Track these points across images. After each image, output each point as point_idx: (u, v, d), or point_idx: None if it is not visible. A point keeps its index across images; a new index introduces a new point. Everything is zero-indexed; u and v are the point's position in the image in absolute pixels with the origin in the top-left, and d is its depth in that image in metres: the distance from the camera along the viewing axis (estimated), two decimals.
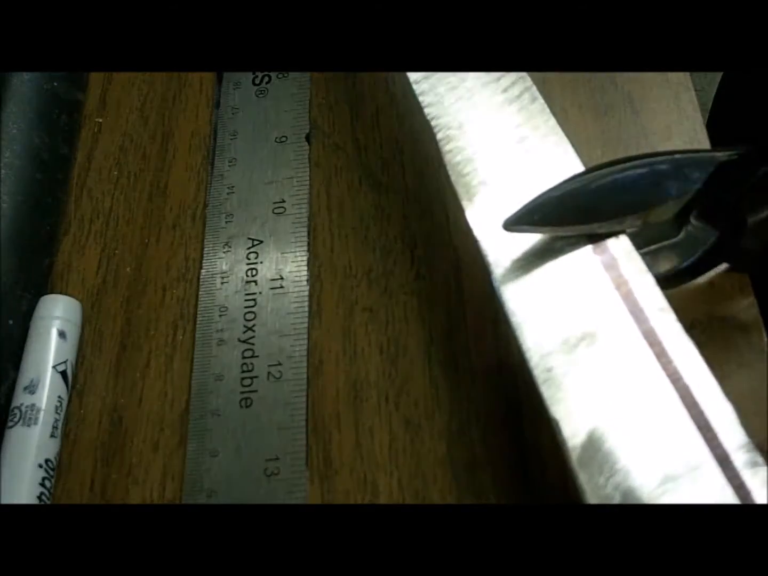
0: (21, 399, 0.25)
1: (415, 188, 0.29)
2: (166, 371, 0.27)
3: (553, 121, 0.24)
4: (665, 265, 0.23)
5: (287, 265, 0.28)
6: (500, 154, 0.24)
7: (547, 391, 0.20)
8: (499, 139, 0.24)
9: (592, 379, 0.20)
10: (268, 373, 0.26)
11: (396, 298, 0.27)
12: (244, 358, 0.26)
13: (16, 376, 0.26)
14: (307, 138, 0.31)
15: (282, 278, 0.28)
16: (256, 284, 0.28)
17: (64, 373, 0.26)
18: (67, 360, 0.27)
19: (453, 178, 0.24)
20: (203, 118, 0.32)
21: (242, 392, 0.26)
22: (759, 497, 0.18)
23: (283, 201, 0.29)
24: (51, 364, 0.26)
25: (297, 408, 0.25)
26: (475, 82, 0.25)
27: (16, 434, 0.25)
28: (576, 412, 0.20)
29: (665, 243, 0.23)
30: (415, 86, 0.26)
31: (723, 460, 0.18)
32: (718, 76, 0.48)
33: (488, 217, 0.23)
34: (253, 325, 0.27)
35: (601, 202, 0.22)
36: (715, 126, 0.33)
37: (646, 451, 0.19)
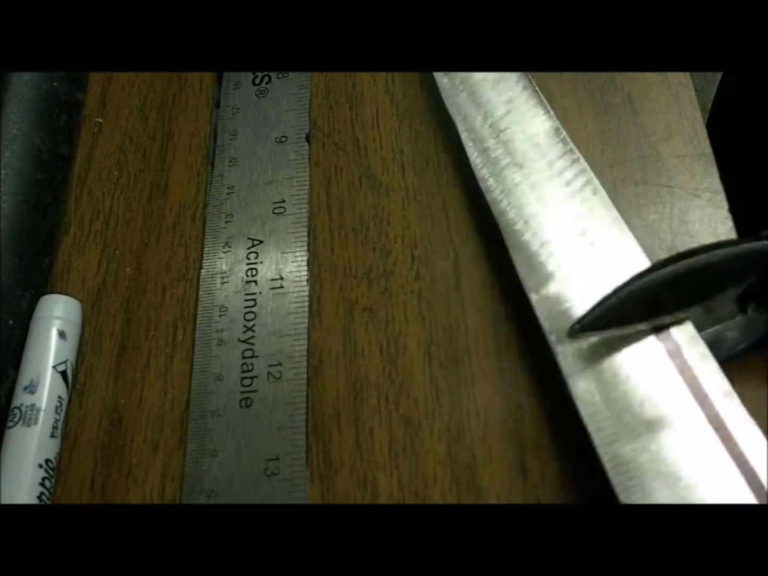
0: (21, 399, 0.25)
1: (415, 188, 0.29)
2: (166, 371, 0.27)
3: (615, 212, 0.25)
4: (727, 346, 0.23)
5: (287, 265, 0.28)
6: (566, 247, 0.25)
7: (615, 479, 0.21)
8: (564, 232, 0.25)
9: (659, 466, 0.21)
10: (268, 373, 0.26)
11: (396, 298, 0.27)
12: (244, 358, 0.26)
13: (16, 376, 0.26)
14: (307, 138, 0.31)
15: (282, 278, 0.28)
16: (256, 284, 0.28)
17: (64, 373, 0.26)
18: (67, 360, 0.27)
19: (521, 271, 0.25)
20: (203, 118, 0.32)
21: (242, 392, 0.26)
22: None
23: (283, 201, 0.29)
24: (51, 364, 0.26)
25: (297, 408, 0.25)
26: (538, 176, 0.26)
27: (16, 434, 0.25)
28: (645, 499, 0.20)
29: (728, 323, 0.24)
30: (481, 184, 0.27)
31: None
32: (718, 76, 0.48)
33: (556, 309, 0.24)
34: (253, 325, 0.27)
35: (663, 298, 0.23)
36: (715, 126, 0.33)
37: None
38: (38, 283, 0.28)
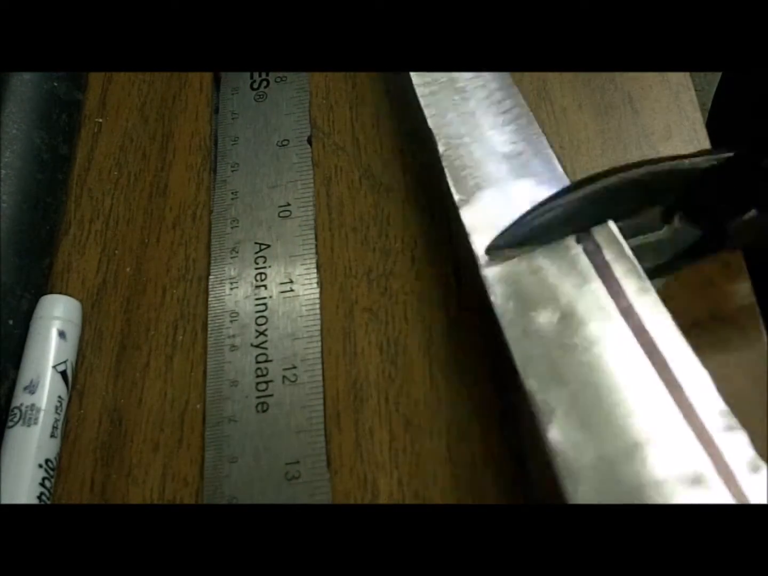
0: (21, 399, 0.25)
1: (415, 188, 0.29)
2: (166, 371, 0.27)
3: (544, 140, 0.25)
4: (647, 260, 0.23)
5: (296, 268, 0.28)
6: (495, 163, 0.25)
7: (522, 368, 0.21)
8: (496, 151, 0.25)
9: (574, 365, 0.21)
10: (283, 376, 0.26)
11: (396, 298, 0.27)
12: (258, 362, 0.26)
13: (16, 376, 0.26)
14: (309, 140, 0.31)
15: (292, 281, 0.28)
16: (266, 288, 0.28)
17: (64, 373, 0.26)
18: (67, 360, 0.27)
19: (451, 181, 0.25)
20: (203, 119, 0.32)
21: (258, 397, 0.26)
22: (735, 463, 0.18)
23: (289, 204, 0.29)
24: (51, 364, 0.26)
25: (314, 410, 0.25)
26: (477, 102, 0.27)
27: (16, 434, 0.25)
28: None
29: (649, 236, 0.24)
30: (421, 99, 0.27)
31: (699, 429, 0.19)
32: (718, 76, 0.48)
33: (483, 218, 0.24)
34: (266, 330, 0.27)
35: (583, 215, 0.23)
36: (715, 126, 0.33)
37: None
38: (38, 283, 0.28)
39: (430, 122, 0.26)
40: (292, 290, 0.28)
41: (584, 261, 0.22)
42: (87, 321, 0.28)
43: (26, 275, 0.28)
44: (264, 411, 0.26)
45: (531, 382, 0.21)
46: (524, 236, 0.23)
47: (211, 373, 0.27)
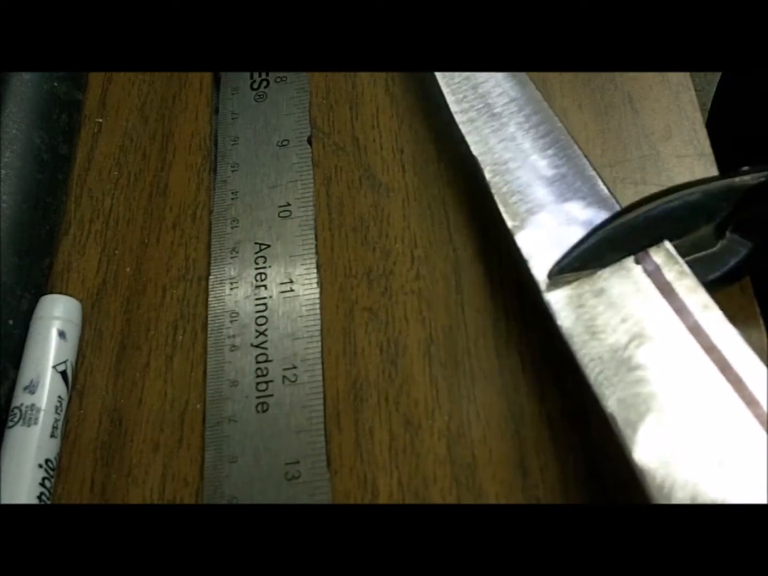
0: (21, 399, 0.25)
1: (415, 188, 0.29)
2: (166, 371, 0.27)
3: (585, 161, 0.26)
4: (701, 276, 0.23)
5: (296, 268, 0.28)
6: (542, 187, 0.26)
7: (599, 390, 0.21)
8: (542, 175, 0.26)
9: (645, 384, 0.21)
10: (283, 377, 0.26)
11: (396, 298, 0.27)
12: (258, 362, 0.26)
13: (16, 376, 0.26)
14: (309, 141, 0.31)
15: (292, 281, 0.28)
16: (266, 288, 0.28)
17: (64, 373, 0.26)
18: (67, 360, 0.27)
19: (502, 207, 0.25)
20: (203, 119, 0.32)
21: (258, 397, 0.26)
22: None
23: (289, 204, 0.29)
24: (51, 364, 0.26)
25: (314, 410, 0.25)
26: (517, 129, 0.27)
27: (16, 434, 0.25)
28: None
29: (703, 253, 0.24)
30: (461, 126, 0.27)
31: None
32: (718, 76, 0.48)
33: (538, 243, 0.25)
34: (266, 330, 0.27)
35: (639, 238, 0.23)
36: (715, 126, 0.33)
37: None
38: (38, 283, 0.28)
39: (474, 150, 0.27)
40: (292, 290, 0.28)
41: (646, 281, 0.23)
42: (87, 321, 0.28)
43: (26, 275, 0.28)
44: (264, 411, 0.26)
45: (611, 404, 0.21)
46: (584, 260, 0.23)
47: (211, 373, 0.27)
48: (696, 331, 0.21)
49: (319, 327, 0.27)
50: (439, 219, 0.28)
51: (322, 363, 0.26)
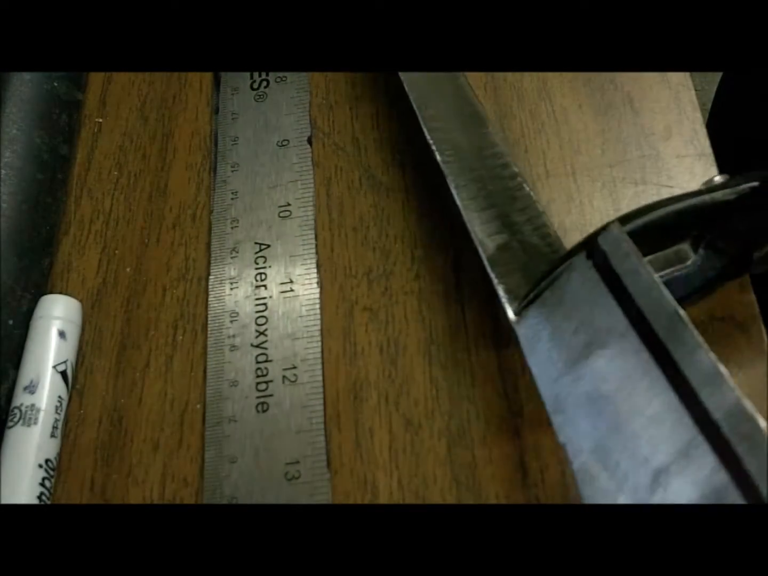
0: (21, 399, 0.25)
1: (415, 188, 0.29)
2: (166, 371, 0.27)
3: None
4: (679, 290, 0.23)
5: (296, 268, 0.28)
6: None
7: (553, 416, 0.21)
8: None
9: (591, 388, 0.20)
10: (283, 377, 0.26)
11: (396, 298, 0.27)
12: (258, 362, 0.26)
13: (16, 376, 0.26)
14: (309, 141, 0.31)
15: (292, 281, 0.28)
16: (266, 288, 0.28)
17: (64, 373, 0.26)
18: (67, 360, 0.27)
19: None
20: (203, 119, 0.32)
21: (258, 397, 0.26)
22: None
23: (289, 204, 0.29)
24: (51, 364, 0.26)
25: (314, 410, 0.25)
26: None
27: (16, 434, 0.25)
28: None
29: (678, 268, 0.24)
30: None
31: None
32: (718, 76, 0.48)
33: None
34: (266, 330, 0.27)
35: None
36: (715, 126, 0.33)
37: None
38: (38, 283, 0.28)
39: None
40: (292, 290, 0.28)
41: (595, 277, 0.21)
42: (87, 321, 0.28)
43: (26, 275, 0.28)
44: (264, 411, 0.26)
45: (557, 419, 0.20)
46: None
47: (211, 373, 0.27)
48: (643, 331, 0.20)
49: (319, 327, 0.27)
50: (439, 219, 0.28)
51: (322, 363, 0.26)
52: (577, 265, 0.22)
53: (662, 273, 0.23)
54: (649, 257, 0.22)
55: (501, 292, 0.23)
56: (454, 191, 0.25)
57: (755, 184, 0.22)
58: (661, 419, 0.19)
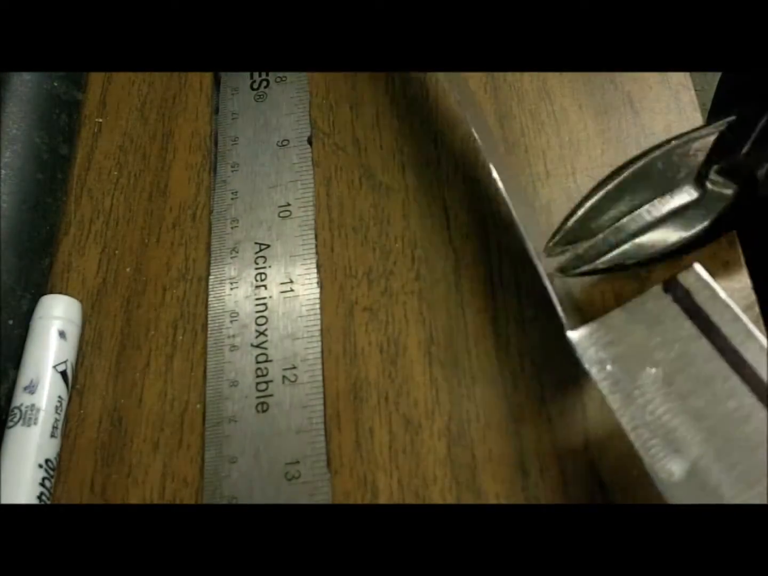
0: (21, 399, 0.25)
1: (415, 188, 0.29)
2: (166, 371, 0.27)
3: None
4: (692, 227, 0.23)
5: (296, 268, 0.28)
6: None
7: (637, 442, 0.20)
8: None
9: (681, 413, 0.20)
10: (283, 377, 0.26)
11: (396, 298, 0.27)
12: (258, 363, 0.26)
13: (16, 376, 0.26)
14: (309, 141, 0.31)
15: (292, 281, 0.28)
16: (266, 288, 0.28)
17: (64, 373, 0.26)
18: (67, 360, 0.27)
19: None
20: (203, 119, 0.32)
21: (258, 397, 0.26)
22: None
23: (289, 204, 0.29)
24: (51, 364, 0.26)
25: (315, 410, 0.25)
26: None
27: (16, 434, 0.25)
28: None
29: (689, 202, 0.24)
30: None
31: None
32: (718, 76, 0.48)
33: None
34: (266, 330, 0.27)
35: (624, 200, 0.24)
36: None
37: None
38: (38, 283, 0.28)
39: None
40: (292, 290, 0.28)
41: (675, 311, 0.22)
42: (87, 321, 0.28)
43: (26, 275, 0.28)
44: (264, 411, 0.26)
45: (646, 453, 0.20)
46: (575, 230, 0.24)
47: (211, 373, 0.27)
48: (737, 363, 0.20)
49: (319, 327, 0.27)
50: (439, 219, 0.28)
51: (322, 363, 0.26)
52: (652, 297, 0.22)
53: (674, 208, 0.23)
54: (660, 198, 0.23)
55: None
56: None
57: (732, 118, 0.25)
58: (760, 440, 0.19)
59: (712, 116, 0.44)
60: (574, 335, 0.22)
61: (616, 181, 0.25)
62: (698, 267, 0.22)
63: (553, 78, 0.30)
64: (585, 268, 0.24)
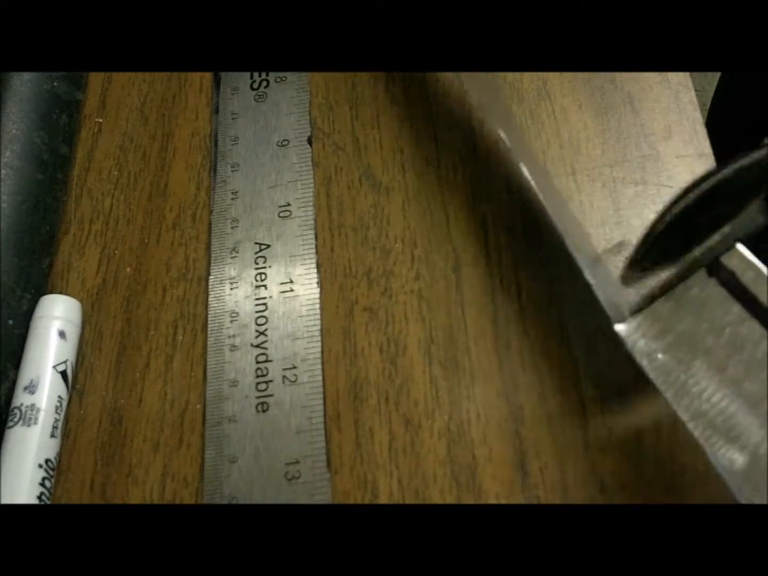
0: (21, 399, 0.25)
1: (415, 188, 0.29)
2: (166, 371, 0.27)
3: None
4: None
5: (296, 268, 0.28)
6: None
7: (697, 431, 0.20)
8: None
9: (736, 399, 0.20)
10: (283, 376, 0.26)
11: (396, 298, 0.27)
12: (258, 362, 0.26)
13: (16, 376, 0.26)
14: (309, 141, 0.31)
15: (292, 281, 0.28)
16: (266, 288, 0.28)
17: (64, 373, 0.26)
18: (67, 360, 0.27)
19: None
20: (203, 119, 0.32)
21: (258, 397, 0.26)
22: None
23: (289, 204, 0.29)
24: (51, 364, 0.26)
25: (314, 410, 0.25)
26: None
27: (16, 434, 0.25)
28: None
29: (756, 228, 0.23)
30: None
31: None
32: (718, 76, 0.48)
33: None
34: (266, 330, 0.27)
35: (697, 222, 0.22)
36: (715, 126, 0.33)
37: None
38: (38, 283, 0.28)
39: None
40: (292, 290, 0.28)
41: (722, 294, 0.21)
42: (87, 321, 0.28)
43: (26, 275, 0.28)
44: (264, 411, 0.26)
45: (709, 442, 0.20)
46: (647, 251, 0.22)
47: (211, 373, 0.27)
48: None
49: (319, 327, 0.27)
50: (439, 219, 0.28)
51: (322, 363, 0.26)
52: (698, 282, 0.22)
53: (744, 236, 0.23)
54: (730, 224, 0.22)
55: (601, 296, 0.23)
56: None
57: None
58: None
59: (711, 118, 0.44)
60: (621, 328, 0.22)
61: (689, 200, 0.22)
62: (741, 247, 0.22)
63: (553, 78, 0.30)
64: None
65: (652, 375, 0.21)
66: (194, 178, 0.31)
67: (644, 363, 0.21)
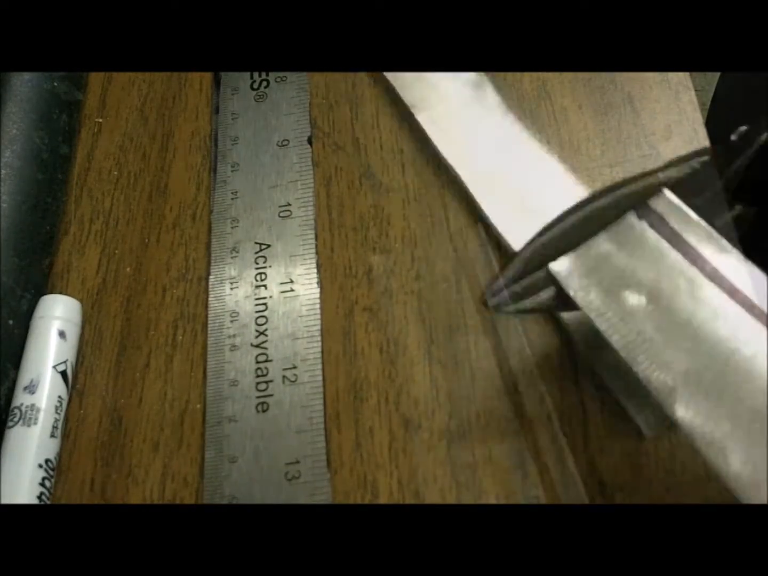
0: (21, 399, 0.25)
1: (415, 188, 0.29)
2: (166, 371, 0.27)
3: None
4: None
5: (296, 268, 0.28)
6: None
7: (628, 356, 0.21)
8: None
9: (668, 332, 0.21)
10: (283, 376, 0.26)
11: (396, 298, 0.27)
12: (258, 362, 0.26)
13: (16, 376, 0.26)
14: (309, 141, 0.31)
15: (292, 281, 0.28)
16: (266, 288, 0.28)
17: (64, 373, 0.26)
18: (67, 360, 0.27)
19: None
20: (203, 119, 0.32)
21: (258, 397, 0.26)
22: None
23: (289, 204, 0.29)
24: (51, 364, 0.26)
25: (314, 410, 0.25)
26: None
27: (16, 434, 0.25)
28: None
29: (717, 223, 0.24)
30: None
31: None
32: (717, 76, 0.48)
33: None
34: (266, 329, 0.27)
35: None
36: (715, 126, 0.33)
37: None
38: (38, 283, 0.28)
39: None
40: (292, 290, 0.28)
41: (653, 235, 0.22)
42: (87, 321, 0.28)
43: (26, 275, 0.28)
44: (264, 411, 0.26)
45: (642, 367, 0.20)
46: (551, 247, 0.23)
47: (211, 373, 0.27)
48: (715, 276, 0.21)
49: (319, 327, 0.27)
50: (439, 219, 0.28)
51: (322, 363, 0.26)
52: (629, 224, 0.23)
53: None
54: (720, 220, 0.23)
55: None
56: None
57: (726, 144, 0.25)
58: (752, 356, 0.20)
59: (711, 118, 0.44)
60: (555, 265, 0.23)
61: (560, 226, 0.24)
62: (668, 192, 0.23)
63: (553, 78, 0.30)
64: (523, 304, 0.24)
65: (586, 309, 0.22)
66: (194, 178, 0.31)
67: (578, 297, 0.22)
